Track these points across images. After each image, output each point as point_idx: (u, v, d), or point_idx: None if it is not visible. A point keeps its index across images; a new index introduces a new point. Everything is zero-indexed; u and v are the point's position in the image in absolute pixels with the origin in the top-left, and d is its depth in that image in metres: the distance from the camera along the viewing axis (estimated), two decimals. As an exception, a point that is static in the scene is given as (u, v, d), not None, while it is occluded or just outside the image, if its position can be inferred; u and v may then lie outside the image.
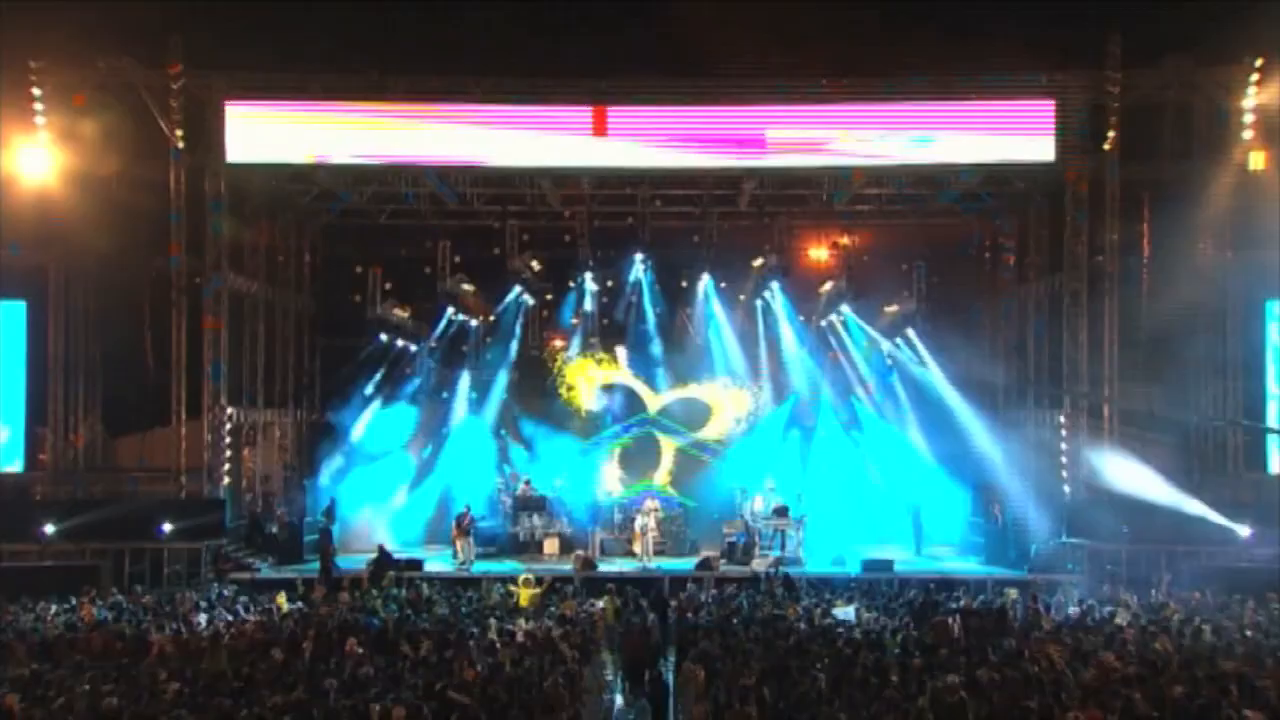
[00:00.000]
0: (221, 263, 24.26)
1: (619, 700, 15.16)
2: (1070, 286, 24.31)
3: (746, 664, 13.46)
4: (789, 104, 23.95)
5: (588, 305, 27.88)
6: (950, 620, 16.26)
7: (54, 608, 17.77)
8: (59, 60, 23.69)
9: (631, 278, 27.52)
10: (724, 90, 24.06)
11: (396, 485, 26.44)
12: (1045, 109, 23.58)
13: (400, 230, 28.67)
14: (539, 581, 19.81)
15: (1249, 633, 15.90)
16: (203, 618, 17.22)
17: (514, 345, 27.99)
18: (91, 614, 17.33)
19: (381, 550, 22.30)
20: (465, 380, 27.91)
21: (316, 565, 22.65)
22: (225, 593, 20.36)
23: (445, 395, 27.72)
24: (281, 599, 19.17)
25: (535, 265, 27.78)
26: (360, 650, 14.75)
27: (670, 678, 15.20)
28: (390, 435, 26.82)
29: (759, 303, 27.58)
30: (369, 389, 26.98)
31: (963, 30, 25.18)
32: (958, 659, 14.00)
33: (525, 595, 18.83)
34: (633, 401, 27.51)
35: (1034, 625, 16.78)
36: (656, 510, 24.77)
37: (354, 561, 23.15)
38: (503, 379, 27.86)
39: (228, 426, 24.55)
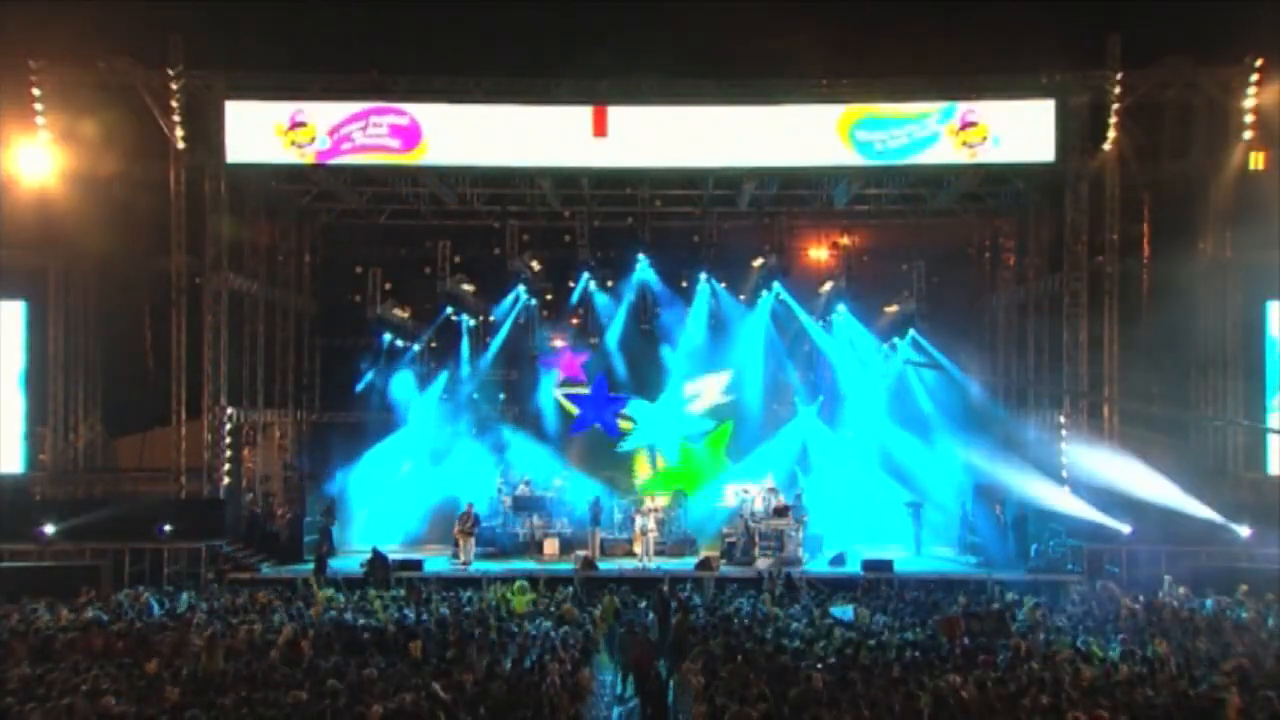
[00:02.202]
0: (221, 263, 24.27)
1: (618, 701, 15.14)
2: (1070, 286, 24.30)
3: (746, 664, 13.45)
4: (788, 104, 23.93)
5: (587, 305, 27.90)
6: (958, 619, 16.27)
7: (55, 609, 17.74)
8: (59, 60, 23.71)
9: (632, 278, 27.53)
10: (723, 90, 24.08)
11: (397, 485, 26.39)
12: (1045, 109, 23.60)
13: (400, 230, 28.69)
14: (533, 586, 19.79)
15: (1249, 633, 15.91)
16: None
17: (514, 345, 27.96)
18: (89, 615, 17.30)
19: (375, 552, 22.23)
20: (465, 380, 27.90)
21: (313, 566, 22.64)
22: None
23: (445, 395, 27.70)
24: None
25: (535, 265, 27.76)
26: (360, 651, 14.73)
27: (670, 678, 15.18)
28: (390, 434, 26.79)
29: (759, 303, 27.56)
30: (368, 389, 26.96)
31: (963, 31, 25.20)
32: (958, 659, 14.00)
33: (520, 601, 18.81)
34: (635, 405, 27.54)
35: (1035, 626, 16.79)
36: (656, 510, 24.78)
37: (351, 563, 23.12)
38: (503, 379, 27.74)
39: (228, 426, 24.56)
